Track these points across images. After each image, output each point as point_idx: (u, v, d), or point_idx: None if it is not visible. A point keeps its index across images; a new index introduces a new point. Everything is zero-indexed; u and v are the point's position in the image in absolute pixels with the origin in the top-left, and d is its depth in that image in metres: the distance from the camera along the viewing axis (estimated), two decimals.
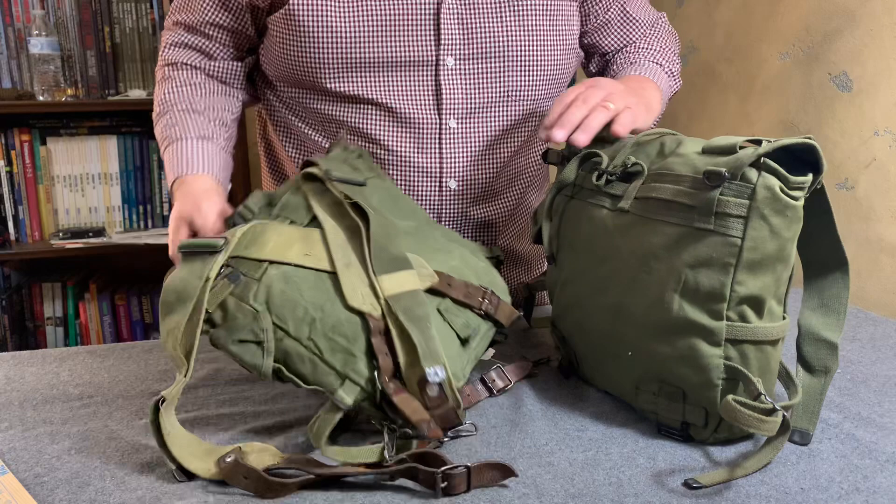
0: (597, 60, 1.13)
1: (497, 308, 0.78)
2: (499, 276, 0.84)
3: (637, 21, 1.09)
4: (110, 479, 0.66)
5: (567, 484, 0.65)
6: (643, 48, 1.07)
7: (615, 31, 1.08)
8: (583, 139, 0.81)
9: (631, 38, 1.09)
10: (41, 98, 2.21)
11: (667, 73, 1.06)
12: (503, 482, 0.64)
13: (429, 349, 0.68)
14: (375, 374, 0.68)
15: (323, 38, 0.92)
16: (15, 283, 2.38)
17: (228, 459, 0.64)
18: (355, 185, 0.79)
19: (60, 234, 2.28)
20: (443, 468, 0.62)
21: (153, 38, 2.36)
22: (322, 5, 0.92)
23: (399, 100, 0.95)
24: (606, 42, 1.09)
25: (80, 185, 2.33)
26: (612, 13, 1.07)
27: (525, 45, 0.97)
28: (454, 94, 0.96)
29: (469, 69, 0.96)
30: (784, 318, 0.71)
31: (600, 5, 1.06)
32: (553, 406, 0.80)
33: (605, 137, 0.84)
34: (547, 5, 0.98)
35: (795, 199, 0.66)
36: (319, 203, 0.77)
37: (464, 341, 0.74)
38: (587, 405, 0.80)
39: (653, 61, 1.05)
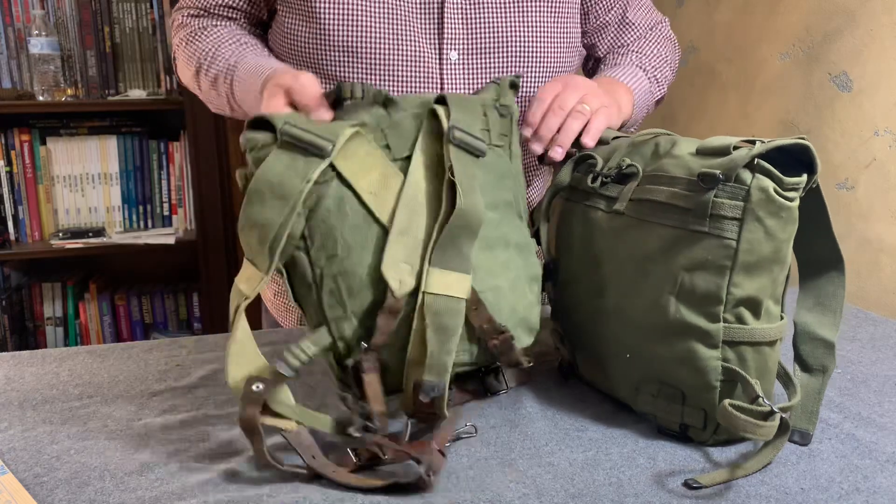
0: (592, 63, 1.13)
1: (504, 353, 0.74)
2: (537, 315, 0.79)
3: (633, 25, 1.09)
4: (110, 479, 0.66)
5: (567, 484, 0.65)
6: (634, 51, 1.07)
7: (611, 33, 1.09)
8: (558, 155, 0.85)
9: (623, 42, 1.09)
10: (41, 98, 2.21)
11: (650, 78, 1.05)
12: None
13: (439, 363, 0.67)
14: (364, 347, 0.68)
15: (331, 21, 0.92)
16: (15, 283, 2.38)
17: (256, 388, 0.64)
18: (472, 155, 0.72)
19: (60, 234, 2.28)
20: (424, 467, 0.63)
21: (153, 38, 2.36)
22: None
23: (402, 93, 0.95)
24: (602, 44, 1.09)
25: (80, 185, 2.33)
26: (612, 15, 1.07)
27: (528, 42, 0.97)
28: (457, 89, 0.96)
29: (472, 64, 0.96)
30: (782, 318, 0.71)
31: (601, 5, 1.06)
32: (553, 406, 0.80)
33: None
34: (553, 4, 0.98)
35: (790, 200, 0.66)
36: (425, 147, 0.72)
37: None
38: (587, 405, 0.80)
39: (637, 65, 1.05)
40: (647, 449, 0.71)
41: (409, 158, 0.71)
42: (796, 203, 0.67)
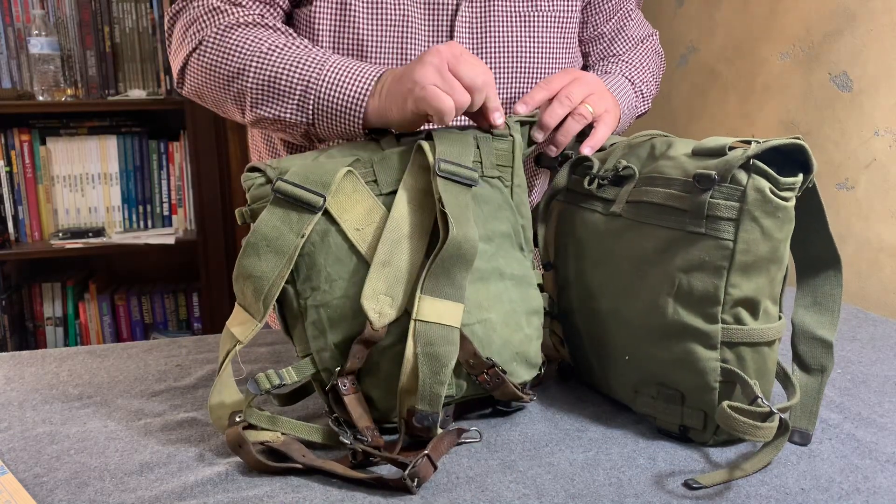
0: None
1: (497, 387, 0.73)
2: (537, 349, 0.77)
3: (627, 37, 1.09)
4: (109, 479, 0.66)
5: (567, 484, 0.65)
6: (625, 62, 1.08)
7: (605, 43, 1.09)
8: (552, 153, 0.85)
9: (615, 52, 1.10)
10: (41, 98, 2.21)
11: (636, 92, 1.06)
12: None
13: (431, 393, 0.67)
14: (337, 370, 0.70)
15: (342, 40, 0.91)
16: (15, 283, 2.38)
17: (238, 419, 0.68)
18: (462, 185, 0.72)
19: (60, 234, 2.28)
20: (408, 471, 0.63)
21: (153, 38, 2.36)
22: (343, 7, 0.90)
23: None
24: (595, 53, 1.10)
25: (80, 185, 2.33)
26: (609, 27, 1.08)
27: (534, 57, 0.96)
28: None
29: None
30: (780, 317, 0.71)
31: (600, 16, 1.07)
32: (553, 406, 0.80)
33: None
34: (558, 18, 0.98)
35: (786, 200, 0.66)
36: (410, 183, 0.72)
37: None
38: (587, 405, 0.80)
39: (626, 77, 1.05)
40: (647, 449, 0.71)
41: (394, 193, 0.72)
42: (792, 203, 0.67)
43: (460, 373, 0.71)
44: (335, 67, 0.81)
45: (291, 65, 0.83)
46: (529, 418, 0.77)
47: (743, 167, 0.66)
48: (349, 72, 0.81)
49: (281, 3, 0.93)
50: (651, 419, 0.75)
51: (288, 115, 0.84)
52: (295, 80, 0.82)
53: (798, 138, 0.67)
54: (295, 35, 0.88)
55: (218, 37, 0.86)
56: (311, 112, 0.82)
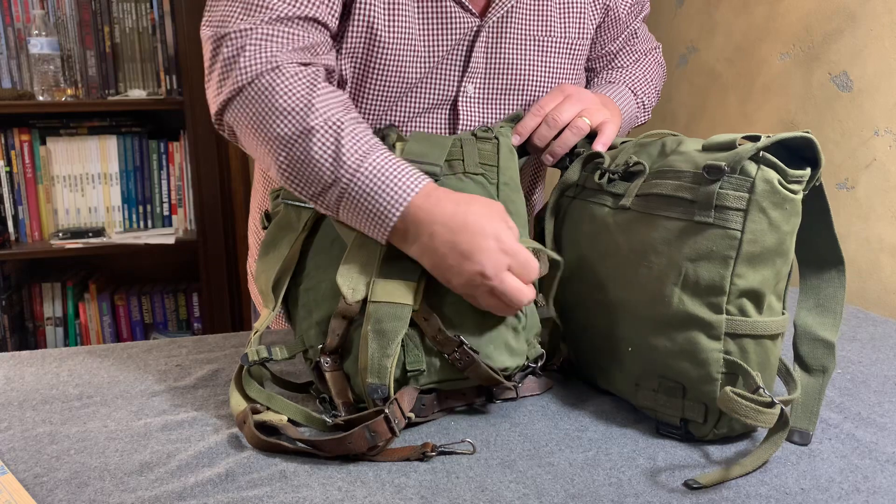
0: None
1: (469, 367, 0.73)
2: (519, 338, 0.77)
3: (632, 51, 1.10)
4: (109, 479, 0.66)
5: (567, 484, 0.65)
6: (629, 72, 1.08)
7: (610, 57, 1.09)
8: (547, 161, 0.89)
9: (620, 64, 1.10)
10: (41, 98, 2.21)
11: (638, 103, 1.07)
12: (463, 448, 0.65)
13: (379, 365, 0.71)
14: (319, 347, 0.76)
15: (371, 83, 0.88)
16: (15, 283, 2.38)
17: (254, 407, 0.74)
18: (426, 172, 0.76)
19: (60, 234, 2.28)
20: (386, 406, 0.69)
21: (153, 38, 2.36)
22: (378, 48, 0.86)
23: (415, 123, 0.93)
24: (600, 65, 1.10)
25: (80, 185, 2.33)
26: (616, 44, 1.08)
27: (542, 81, 0.96)
28: (470, 120, 0.94)
29: (487, 98, 0.95)
30: (783, 313, 0.72)
31: (608, 34, 1.06)
32: (553, 406, 0.80)
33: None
34: (570, 45, 0.98)
35: (794, 192, 0.67)
36: None
37: (406, 373, 0.74)
38: (587, 405, 0.80)
39: (629, 88, 1.06)
40: (647, 449, 0.71)
41: None
42: (800, 196, 0.68)
43: (431, 350, 0.74)
44: (370, 174, 0.73)
45: (328, 156, 0.73)
46: (529, 418, 0.77)
47: (753, 159, 0.67)
48: (379, 189, 0.72)
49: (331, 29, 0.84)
50: (651, 413, 0.75)
51: (313, 200, 0.76)
52: (327, 174, 0.73)
53: (807, 132, 0.67)
54: (349, 106, 0.78)
55: (271, 81, 0.75)
56: (336, 209, 0.75)
